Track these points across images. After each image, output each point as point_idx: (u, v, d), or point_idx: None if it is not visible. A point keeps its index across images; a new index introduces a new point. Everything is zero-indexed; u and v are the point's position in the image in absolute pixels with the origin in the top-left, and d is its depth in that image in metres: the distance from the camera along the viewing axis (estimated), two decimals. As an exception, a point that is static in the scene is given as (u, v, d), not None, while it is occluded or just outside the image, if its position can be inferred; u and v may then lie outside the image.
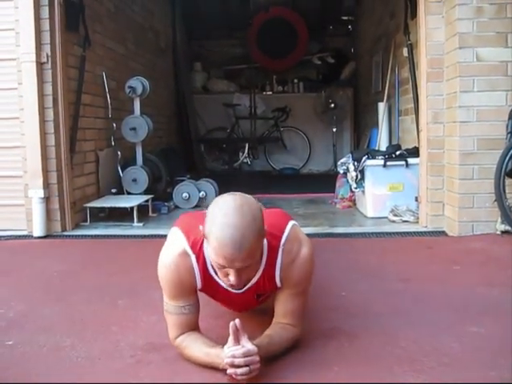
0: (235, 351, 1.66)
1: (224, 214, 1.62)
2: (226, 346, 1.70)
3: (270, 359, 1.79)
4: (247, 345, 1.67)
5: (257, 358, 1.67)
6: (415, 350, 1.91)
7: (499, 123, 3.62)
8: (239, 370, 1.65)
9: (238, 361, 1.65)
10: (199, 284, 1.84)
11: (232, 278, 1.67)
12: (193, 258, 1.79)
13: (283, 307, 1.90)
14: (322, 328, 2.12)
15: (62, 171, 4.17)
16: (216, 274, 1.79)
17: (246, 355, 1.65)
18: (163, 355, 1.92)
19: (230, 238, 1.59)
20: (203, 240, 1.75)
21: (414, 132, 4.46)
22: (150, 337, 2.10)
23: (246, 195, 1.72)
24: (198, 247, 1.79)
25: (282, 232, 1.83)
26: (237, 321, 1.69)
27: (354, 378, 1.73)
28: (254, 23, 8.80)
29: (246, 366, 1.65)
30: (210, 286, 1.84)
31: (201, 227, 1.70)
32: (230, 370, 1.66)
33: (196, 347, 1.82)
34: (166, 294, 1.87)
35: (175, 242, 1.83)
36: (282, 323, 1.90)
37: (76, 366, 1.87)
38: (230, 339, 1.69)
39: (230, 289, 1.79)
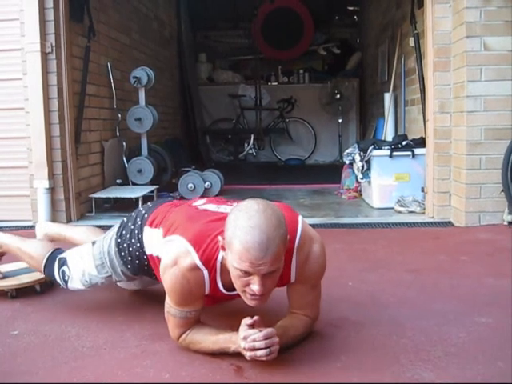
0: (255, 335, 1.66)
1: (248, 217, 1.56)
2: (241, 330, 1.69)
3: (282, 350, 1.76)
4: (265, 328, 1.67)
5: (276, 339, 1.67)
6: (422, 340, 1.90)
7: (507, 113, 3.60)
8: (259, 353, 1.65)
9: (258, 344, 1.65)
10: (207, 292, 1.79)
11: (256, 287, 1.59)
12: (205, 272, 1.72)
13: (299, 301, 1.88)
14: (330, 318, 2.11)
15: (67, 162, 4.17)
16: (223, 287, 1.76)
17: (266, 337, 1.65)
18: (168, 345, 1.92)
19: (257, 241, 1.53)
20: (217, 254, 1.70)
21: (420, 122, 4.43)
22: (156, 327, 2.09)
23: (268, 201, 1.67)
24: (211, 262, 1.72)
25: (295, 233, 1.78)
26: (256, 318, 1.69)
27: (361, 368, 1.72)
28: (259, 13, 8.74)
29: (267, 347, 1.65)
30: (215, 294, 1.80)
31: (220, 238, 1.65)
32: (250, 353, 1.66)
33: (201, 339, 1.81)
34: (171, 301, 1.81)
35: (185, 256, 1.72)
36: (297, 313, 1.89)
37: (81, 355, 1.87)
38: (244, 324, 1.69)
39: (248, 302, 1.69)
